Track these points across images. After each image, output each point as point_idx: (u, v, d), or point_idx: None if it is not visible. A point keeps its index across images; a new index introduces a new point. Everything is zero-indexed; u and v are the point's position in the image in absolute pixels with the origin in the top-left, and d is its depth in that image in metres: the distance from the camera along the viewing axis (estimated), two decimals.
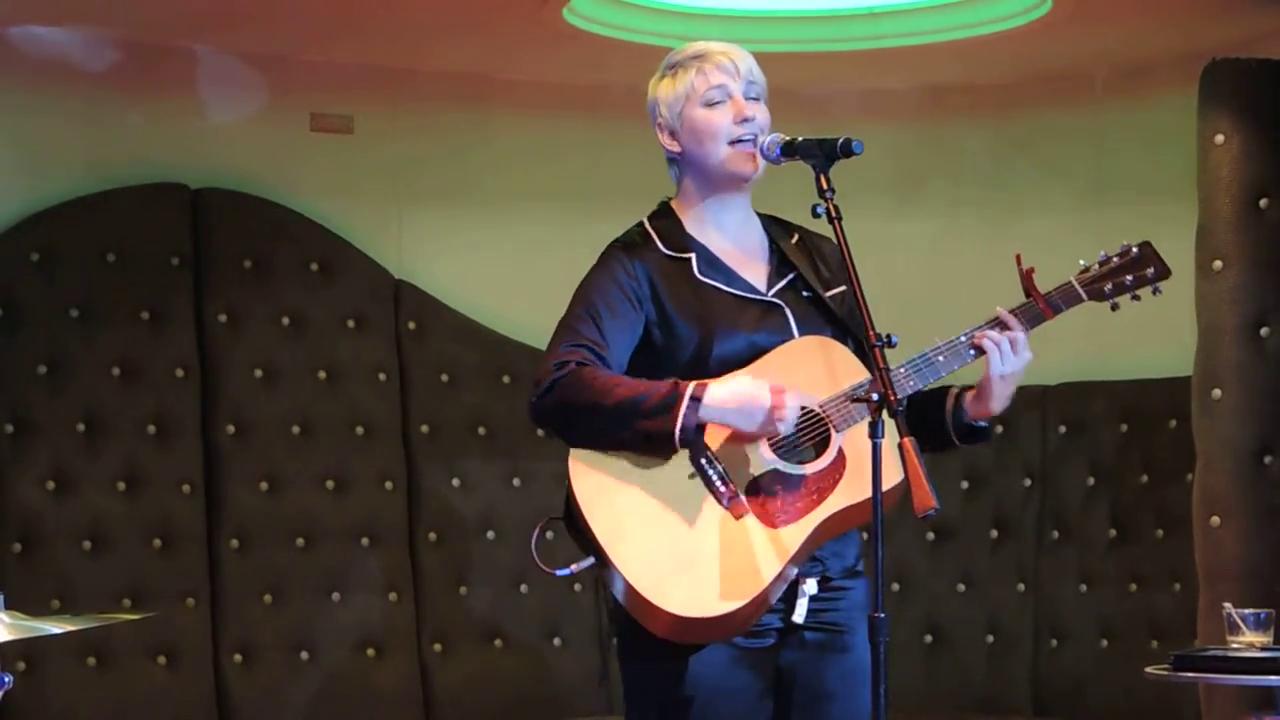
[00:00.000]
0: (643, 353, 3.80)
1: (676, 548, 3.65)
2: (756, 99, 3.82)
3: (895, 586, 6.87)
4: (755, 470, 3.70)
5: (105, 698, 6.17)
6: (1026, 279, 3.82)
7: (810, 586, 3.74)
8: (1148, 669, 5.03)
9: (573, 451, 3.72)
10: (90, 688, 6.16)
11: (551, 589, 6.64)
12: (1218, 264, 5.61)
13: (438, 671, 6.62)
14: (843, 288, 3.84)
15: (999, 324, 3.77)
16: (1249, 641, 4.88)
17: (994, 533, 6.90)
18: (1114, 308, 3.87)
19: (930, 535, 6.90)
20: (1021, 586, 6.84)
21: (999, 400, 3.78)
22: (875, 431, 3.48)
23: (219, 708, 6.33)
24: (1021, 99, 7.01)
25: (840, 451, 3.70)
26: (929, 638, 6.87)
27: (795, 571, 3.70)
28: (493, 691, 6.62)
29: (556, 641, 6.69)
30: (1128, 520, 6.68)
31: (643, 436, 3.66)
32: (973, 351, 3.77)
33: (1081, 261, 3.87)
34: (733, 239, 3.87)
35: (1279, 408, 5.54)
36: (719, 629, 3.66)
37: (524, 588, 6.72)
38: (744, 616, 3.65)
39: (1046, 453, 6.88)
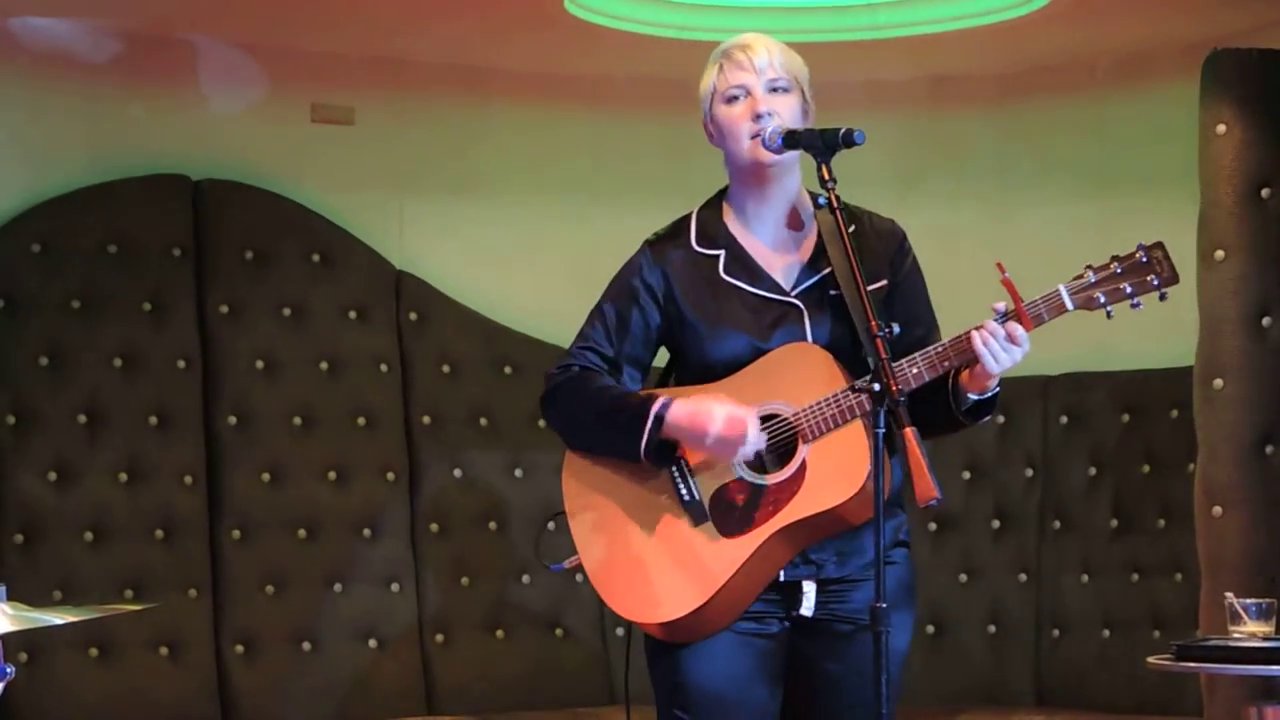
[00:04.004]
0: (672, 352, 3.93)
1: (632, 553, 3.77)
2: (783, 90, 3.84)
3: None
4: (724, 478, 3.77)
5: (107, 688, 6.16)
6: (1008, 287, 3.72)
7: (808, 587, 3.81)
8: (1150, 659, 5.03)
9: (568, 451, 3.91)
10: (92, 678, 6.15)
11: (553, 580, 6.63)
12: (1219, 254, 5.61)
13: (439, 662, 6.61)
14: (882, 282, 3.86)
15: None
16: (1251, 631, 4.88)
17: (995, 523, 6.89)
18: (1109, 315, 3.77)
19: (932, 525, 6.90)
20: (1023, 577, 6.83)
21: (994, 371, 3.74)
22: (876, 422, 3.50)
23: (221, 698, 6.33)
24: (1022, 89, 7.00)
25: (803, 463, 3.73)
26: (931, 628, 6.87)
27: (775, 575, 3.77)
28: (495, 682, 6.62)
29: (559, 632, 6.68)
30: (1129, 510, 6.67)
31: (618, 451, 3.80)
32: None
33: (1090, 265, 3.77)
34: (767, 234, 3.90)
35: None
36: (679, 631, 3.75)
37: (526, 578, 6.72)
38: (703, 621, 3.73)
39: (1048, 443, 6.88)
